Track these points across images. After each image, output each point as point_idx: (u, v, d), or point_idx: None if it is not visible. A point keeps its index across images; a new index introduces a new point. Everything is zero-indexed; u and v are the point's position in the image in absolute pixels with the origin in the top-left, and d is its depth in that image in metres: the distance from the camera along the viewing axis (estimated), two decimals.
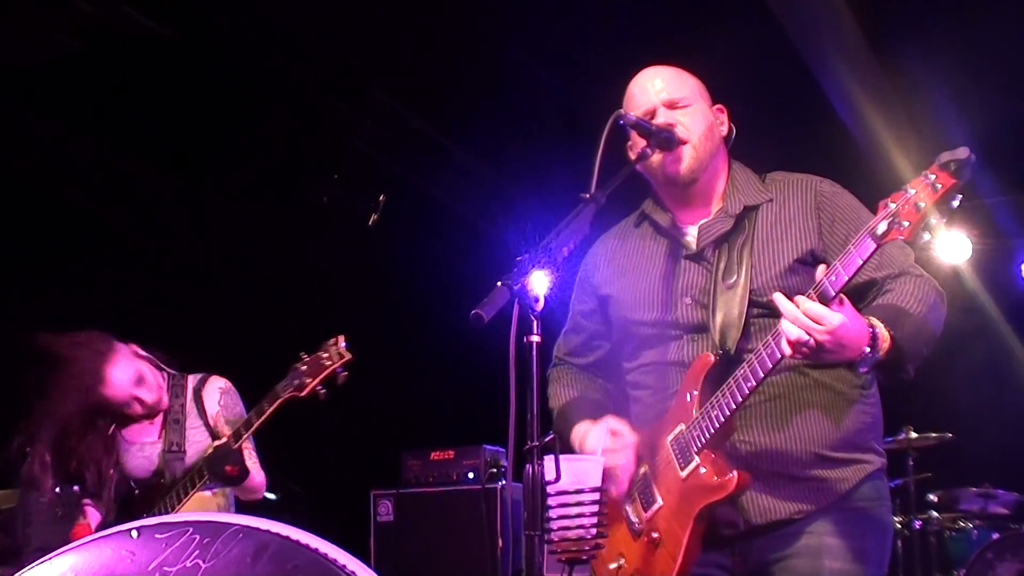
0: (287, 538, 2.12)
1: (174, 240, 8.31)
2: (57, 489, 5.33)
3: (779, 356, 2.84)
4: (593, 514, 3.00)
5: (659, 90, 3.28)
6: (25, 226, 7.48)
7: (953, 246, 8.87)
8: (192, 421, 4.88)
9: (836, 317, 2.73)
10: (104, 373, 4.72)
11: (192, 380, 4.99)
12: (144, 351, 4.93)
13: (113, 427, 4.89)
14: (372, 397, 4.76)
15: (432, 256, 8.76)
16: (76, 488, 6.42)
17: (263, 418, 4.45)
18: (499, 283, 2.67)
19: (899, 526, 7.78)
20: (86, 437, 4.80)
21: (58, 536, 4.94)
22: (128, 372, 4.77)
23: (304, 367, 4.42)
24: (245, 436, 4.49)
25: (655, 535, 3.13)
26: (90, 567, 2.18)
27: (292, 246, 8.24)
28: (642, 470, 3.22)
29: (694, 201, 3.31)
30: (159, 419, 4.90)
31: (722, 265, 3.19)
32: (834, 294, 2.75)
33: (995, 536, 7.47)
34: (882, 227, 2.69)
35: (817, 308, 2.74)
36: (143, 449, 4.90)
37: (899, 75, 7.22)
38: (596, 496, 3.03)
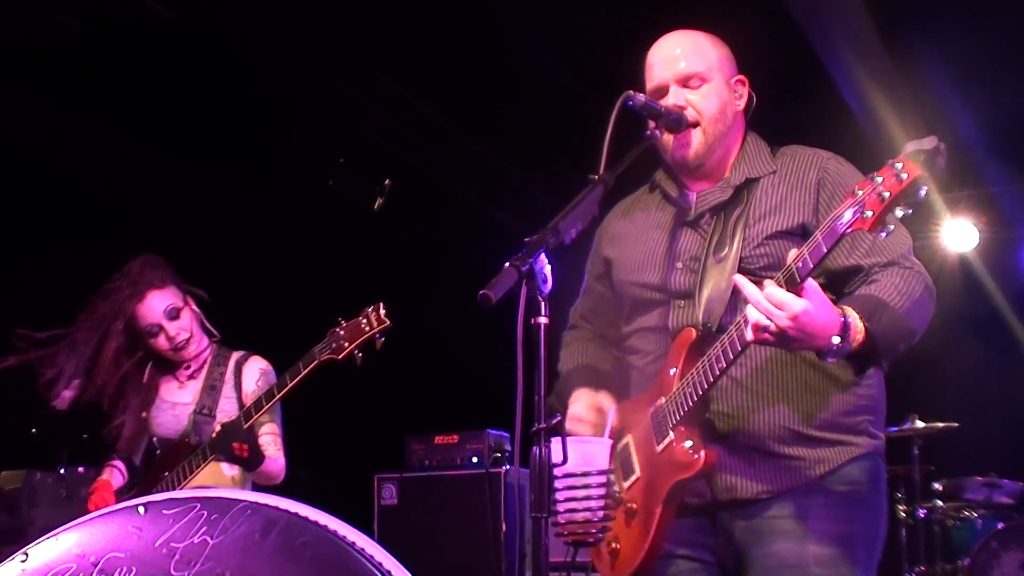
0: (296, 514, 2.12)
1: (176, 222, 8.29)
2: (62, 470, 5.34)
3: (746, 340, 2.82)
4: (600, 497, 2.99)
5: (675, 65, 3.23)
6: (23, 205, 7.48)
7: (960, 235, 8.85)
8: (227, 391, 4.89)
9: (799, 304, 2.69)
10: (143, 294, 4.77)
11: (236, 355, 5.01)
12: (197, 306, 4.98)
13: (150, 369, 4.91)
14: (376, 381, 4.74)
15: (437, 240, 8.75)
16: (81, 469, 6.44)
17: (296, 380, 4.42)
18: (507, 264, 2.65)
19: (903, 515, 7.79)
20: (121, 366, 4.80)
21: (62, 516, 4.94)
22: (165, 302, 4.81)
23: (342, 331, 4.39)
24: (266, 407, 4.48)
25: (632, 506, 3.13)
26: (96, 543, 2.18)
27: (297, 229, 8.22)
28: (625, 439, 3.22)
29: (704, 175, 3.29)
30: (199, 383, 4.91)
31: (715, 237, 3.17)
32: (799, 280, 2.71)
33: (1000, 526, 7.47)
34: (847, 216, 2.65)
35: (780, 294, 2.70)
36: (174, 408, 4.91)
37: (907, 62, 7.19)
38: (603, 479, 3.01)
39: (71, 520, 2.31)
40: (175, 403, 4.92)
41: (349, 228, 8.29)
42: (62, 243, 7.67)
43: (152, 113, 7.33)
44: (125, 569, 2.13)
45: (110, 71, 6.87)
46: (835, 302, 2.88)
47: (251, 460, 4.57)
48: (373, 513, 7.48)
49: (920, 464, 7.69)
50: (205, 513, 2.11)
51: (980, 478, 7.83)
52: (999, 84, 7.12)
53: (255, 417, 4.48)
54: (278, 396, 4.45)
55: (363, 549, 2.07)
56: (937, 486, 7.91)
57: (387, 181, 8.07)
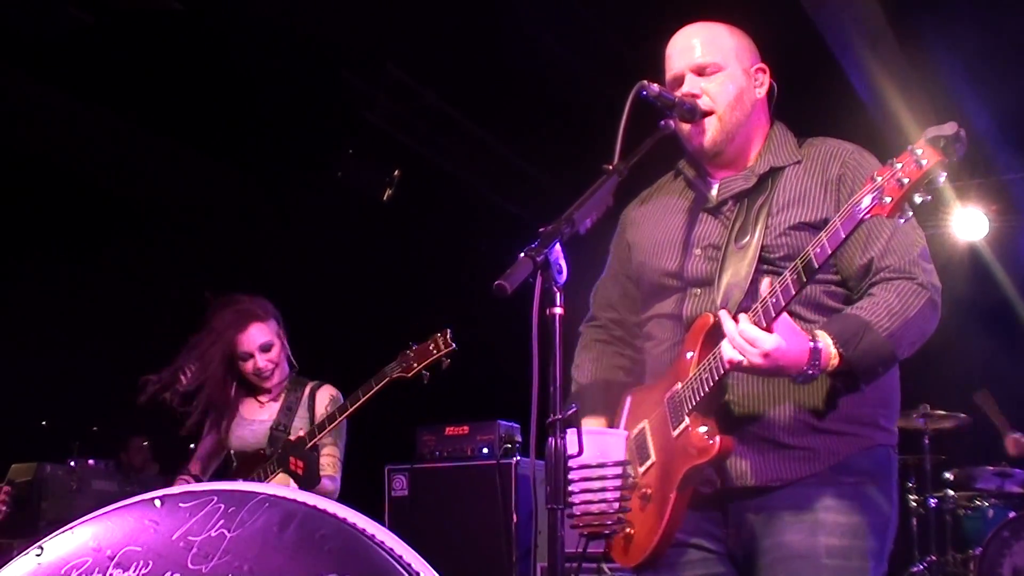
0: (314, 507, 2.10)
1: (186, 212, 8.29)
2: (72, 462, 5.37)
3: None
4: (616, 488, 2.98)
5: (691, 54, 3.23)
6: (34, 198, 7.48)
7: (970, 223, 8.81)
8: (301, 413, 5.14)
9: (770, 341, 2.77)
10: (247, 323, 5.08)
11: (311, 384, 5.26)
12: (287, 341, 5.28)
13: (235, 389, 5.21)
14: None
15: (447, 231, 8.73)
16: (92, 462, 6.46)
17: (367, 396, 4.81)
18: (522, 254, 2.64)
19: (915, 504, 7.77)
20: (215, 379, 5.11)
21: (73, 509, 4.97)
22: (263, 337, 5.10)
23: (412, 353, 4.82)
24: (336, 421, 4.84)
25: (647, 491, 3.11)
26: (112, 537, 2.17)
27: (306, 220, 8.22)
28: (641, 425, 3.21)
29: (725, 164, 3.28)
30: (277, 405, 5.16)
31: (738, 224, 3.17)
32: (816, 267, 2.75)
33: (1011, 515, 7.45)
34: (866, 201, 2.67)
35: (752, 331, 2.79)
36: (252, 424, 5.16)
37: (918, 50, 7.17)
38: (619, 470, 3.01)
39: (82, 512, 2.30)
40: (253, 420, 5.17)
41: (359, 219, 8.28)
42: (73, 236, 7.67)
43: (161, 104, 7.32)
44: (142, 563, 2.12)
45: (118, 62, 6.86)
46: (817, 324, 2.96)
47: (306, 478, 4.82)
48: (384, 504, 7.48)
49: (931, 454, 7.67)
50: (223, 506, 2.09)
51: (991, 467, 7.81)
52: (1009, 71, 7.09)
53: (320, 436, 4.83)
54: (351, 409, 4.83)
55: (383, 542, 2.06)
56: (948, 475, 7.89)
57: (396, 172, 8.07)
